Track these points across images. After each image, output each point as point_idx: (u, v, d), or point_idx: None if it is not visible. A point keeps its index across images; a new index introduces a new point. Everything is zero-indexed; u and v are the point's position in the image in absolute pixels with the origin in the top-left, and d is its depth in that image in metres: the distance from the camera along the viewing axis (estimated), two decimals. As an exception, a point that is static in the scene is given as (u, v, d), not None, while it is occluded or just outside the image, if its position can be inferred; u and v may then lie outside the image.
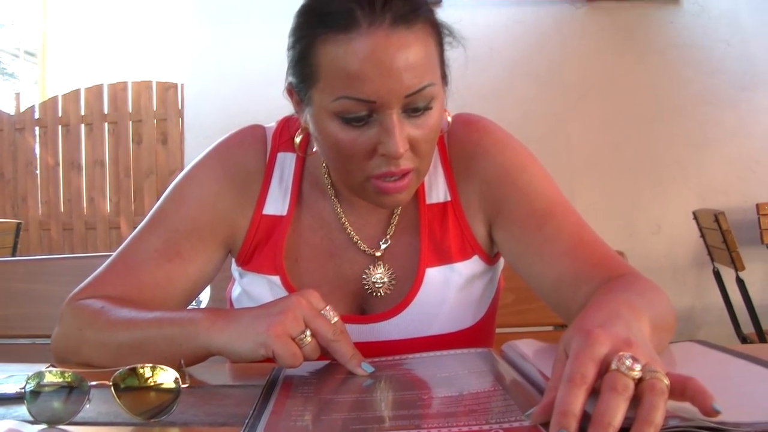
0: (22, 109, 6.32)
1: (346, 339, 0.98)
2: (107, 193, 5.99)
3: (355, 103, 1.02)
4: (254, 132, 1.31)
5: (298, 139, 1.22)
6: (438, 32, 1.09)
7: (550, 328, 1.70)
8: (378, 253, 1.24)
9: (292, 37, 1.09)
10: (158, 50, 7.57)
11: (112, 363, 0.98)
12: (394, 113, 1.03)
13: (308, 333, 0.95)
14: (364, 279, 1.23)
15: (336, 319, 0.98)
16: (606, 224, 4.06)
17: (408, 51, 1.01)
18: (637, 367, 0.65)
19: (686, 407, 0.65)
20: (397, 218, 1.25)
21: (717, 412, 0.63)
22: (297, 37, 1.08)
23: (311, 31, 1.04)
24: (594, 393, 0.65)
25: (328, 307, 0.99)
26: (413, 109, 1.05)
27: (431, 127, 1.08)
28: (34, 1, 8.08)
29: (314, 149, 1.21)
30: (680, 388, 0.65)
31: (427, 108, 1.06)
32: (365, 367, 0.96)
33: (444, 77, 1.13)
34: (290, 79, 1.13)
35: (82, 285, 1.21)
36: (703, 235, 3.85)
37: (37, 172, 6.15)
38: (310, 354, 0.95)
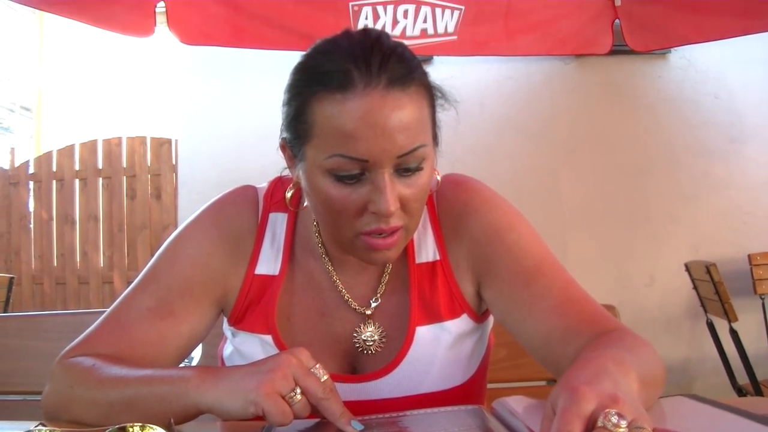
0: (16, 164, 6.34)
1: (336, 397, 0.98)
2: (101, 248, 5.99)
3: (348, 162, 1.04)
4: (246, 192, 1.32)
5: (289, 194, 1.24)
6: (431, 94, 1.12)
7: (543, 382, 1.70)
8: (368, 312, 1.25)
9: (288, 94, 1.11)
10: (153, 106, 7.62)
11: (102, 421, 0.98)
12: (386, 173, 1.05)
13: (298, 391, 0.95)
14: (355, 337, 1.24)
15: (326, 377, 0.98)
16: (599, 277, 4.09)
17: (402, 113, 1.03)
18: (623, 423, 0.65)
19: None
20: (387, 277, 1.27)
21: None
22: (293, 93, 1.10)
23: (307, 89, 1.06)
24: None
25: (318, 366, 0.99)
26: (404, 168, 1.07)
27: (421, 187, 1.10)
28: (30, 57, 8.15)
29: (305, 204, 1.22)
30: None
31: (418, 168, 1.08)
32: (355, 425, 0.96)
33: (435, 137, 1.15)
34: (284, 134, 1.15)
35: (73, 343, 1.21)
36: (695, 287, 3.85)
37: (31, 226, 6.15)
38: (300, 412, 0.95)
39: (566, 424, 0.67)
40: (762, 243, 4.24)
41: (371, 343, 1.23)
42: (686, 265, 3.90)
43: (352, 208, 1.08)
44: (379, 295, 1.26)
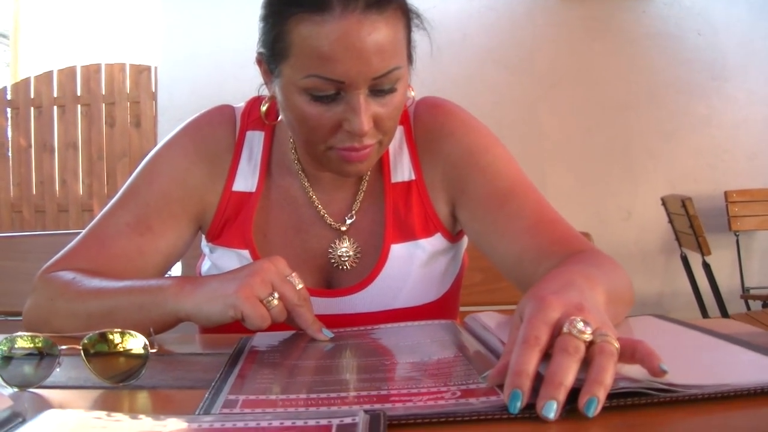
0: (-7, 91, 6.27)
1: (309, 305, 1.01)
2: (80, 176, 5.97)
3: (324, 82, 1.05)
4: (223, 111, 1.33)
5: (264, 108, 1.26)
6: (407, 16, 1.13)
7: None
8: (343, 228, 1.27)
9: (265, 10, 1.12)
10: (132, 33, 7.52)
11: (83, 332, 1.00)
12: (361, 94, 1.07)
13: (276, 296, 0.97)
14: (330, 253, 1.26)
15: (301, 285, 1.01)
16: (577, 210, 4.11)
17: (378, 36, 1.04)
18: (588, 330, 0.68)
19: (636, 370, 0.68)
20: (362, 194, 1.29)
21: (664, 372, 0.65)
22: (270, 11, 1.11)
23: (285, 8, 1.07)
24: (547, 357, 0.68)
25: (294, 274, 1.01)
26: (379, 90, 1.08)
27: (395, 105, 1.12)
28: (6, -18, 7.99)
29: (280, 119, 1.24)
30: (630, 351, 0.68)
31: (392, 89, 1.10)
32: (326, 332, 1.00)
33: (410, 57, 1.16)
34: (261, 49, 1.16)
35: (53, 259, 1.22)
36: (671, 221, 3.90)
37: (9, 154, 6.11)
38: (277, 316, 0.97)
39: (532, 329, 0.69)
40: (739, 181, 4.29)
41: (346, 259, 1.26)
42: (662, 199, 3.94)
43: (326, 125, 1.10)
44: (354, 211, 1.28)
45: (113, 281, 1.10)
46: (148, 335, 0.86)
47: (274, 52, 1.11)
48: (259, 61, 1.18)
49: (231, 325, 1.03)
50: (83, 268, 1.17)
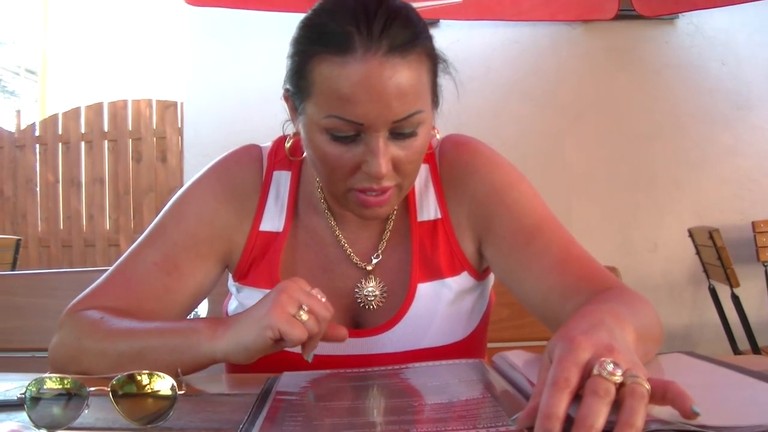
0: (22, 127, 6.35)
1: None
2: (106, 211, 6.02)
3: (344, 123, 1.06)
4: (251, 151, 1.34)
5: (288, 144, 1.28)
6: (433, 60, 1.13)
7: (544, 342, 1.70)
8: (370, 267, 1.27)
9: (292, 48, 1.13)
10: (158, 69, 7.61)
11: (111, 372, 1.00)
12: (381, 136, 1.07)
13: (305, 308, 0.99)
14: (357, 292, 1.26)
15: (324, 298, 1.02)
16: (603, 242, 4.10)
17: (399, 80, 1.04)
18: (619, 372, 0.67)
19: (667, 411, 0.67)
20: (388, 233, 1.28)
21: (696, 414, 0.65)
22: (296, 49, 1.12)
23: (309, 47, 1.08)
24: (577, 398, 0.67)
25: (316, 290, 1.02)
26: (399, 133, 1.09)
27: (415, 150, 1.12)
28: (35, 20, 8.13)
29: (304, 155, 1.24)
30: (661, 392, 0.67)
31: (413, 133, 1.10)
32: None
33: (435, 100, 1.16)
34: (287, 86, 1.17)
35: (80, 296, 1.23)
36: (698, 252, 3.86)
37: (37, 189, 6.17)
38: (312, 328, 0.99)
39: (562, 371, 0.68)
40: (766, 210, 4.24)
41: (372, 299, 1.25)
42: (689, 231, 3.91)
43: (346, 166, 1.10)
44: (380, 251, 1.28)
45: (143, 322, 1.11)
46: (175, 376, 0.86)
47: (298, 90, 1.12)
48: (286, 97, 1.19)
49: (257, 364, 1.03)
50: (110, 307, 1.18)
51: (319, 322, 1.00)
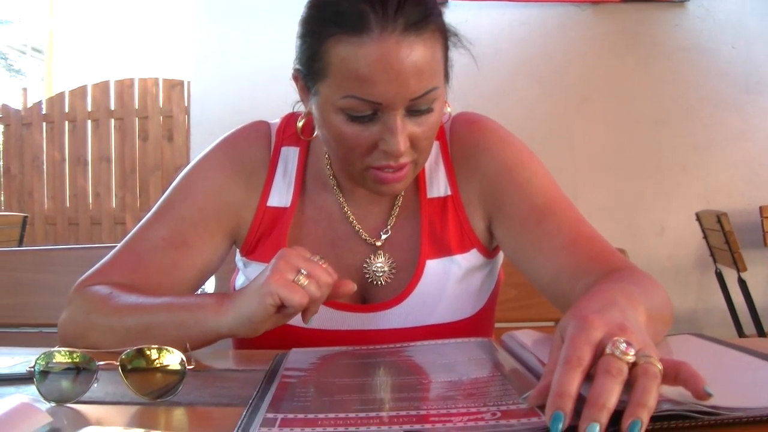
0: (29, 105, 6.35)
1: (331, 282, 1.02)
2: (113, 189, 6.03)
3: (362, 103, 1.06)
4: (259, 127, 1.34)
5: (300, 124, 1.27)
6: (445, 36, 1.13)
7: (552, 323, 1.71)
8: (379, 243, 1.27)
9: (303, 28, 1.12)
10: (165, 47, 7.59)
11: (119, 347, 1.00)
12: (398, 114, 1.07)
13: (304, 272, 0.98)
14: (365, 268, 1.26)
15: (326, 264, 1.02)
16: (610, 225, 4.06)
17: (416, 57, 1.04)
18: (631, 351, 0.67)
19: (679, 391, 0.67)
20: (398, 209, 1.29)
21: (709, 395, 0.64)
22: (307, 30, 1.11)
23: (323, 28, 1.07)
24: (589, 377, 0.67)
25: (317, 256, 1.02)
26: (416, 110, 1.09)
27: (431, 125, 1.12)
28: (41, -2, 8.11)
29: (315, 134, 1.24)
30: (673, 373, 0.67)
31: (429, 109, 1.10)
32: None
33: (447, 76, 1.16)
34: (297, 66, 1.16)
35: (89, 272, 1.23)
36: (705, 237, 3.86)
37: (44, 167, 6.18)
38: (314, 292, 0.98)
39: (575, 349, 0.68)
40: (775, 196, 4.23)
41: (381, 274, 1.26)
42: (697, 215, 3.90)
43: (363, 144, 1.10)
44: (389, 227, 1.28)
45: (150, 297, 1.11)
46: (184, 351, 0.86)
47: (311, 71, 1.11)
48: (296, 77, 1.18)
49: (265, 340, 1.03)
50: (119, 283, 1.18)
51: (320, 286, 0.99)
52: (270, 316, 0.98)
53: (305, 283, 0.97)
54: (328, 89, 1.09)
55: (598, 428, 0.61)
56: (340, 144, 1.12)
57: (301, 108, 1.24)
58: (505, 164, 1.26)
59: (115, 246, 1.28)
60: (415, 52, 1.04)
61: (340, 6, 1.06)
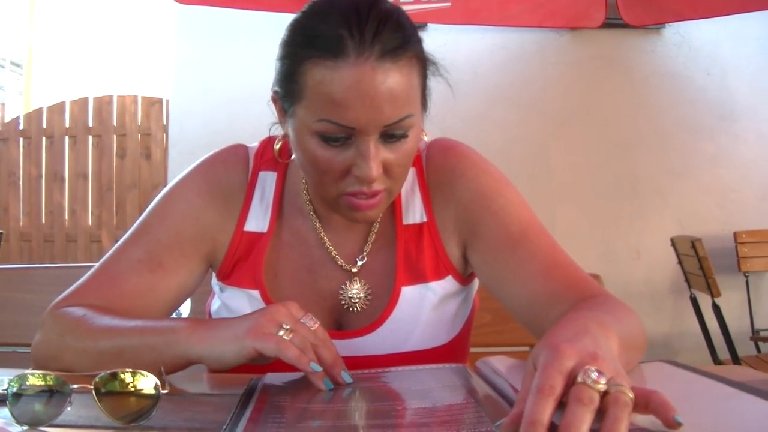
0: (6, 120, 6.31)
1: (328, 345, 1.00)
2: (89, 206, 5.99)
3: (336, 127, 1.06)
4: (237, 151, 1.34)
5: (277, 147, 1.27)
6: (423, 64, 1.13)
7: (527, 348, 1.72)
8: (354, 270, 1.27)
9: (282, 50, 1.13)
10: (144, 65, 7.58)
11: (93, 370, 1.00)
12: (372, 140, 1.07)
13: (287, 327, 0.97)
14: (341, 294, 1.26)
15: (316, 326, 1.01)
16: (585, 249, 4.10)
17: (391, 84, 1.04)
18: (603, 380, 0.67)
19: (651, 420, 0.67)
20: (374, 236, 1.29)
21: (679, 424, 0.65)
22: (286, 52, 1.11)
23: (301, 51, 1.07)
24: (561, 406, 0.67)
25: (309, 315, 1.01)
26: (390, 135, 1.09)
27: (405, 152, 1.12)
28: (20, 13, 8.08)
29: (292, 158, 1.24)
30: (644, 402, 0.68)
31: (404, 136, 1.10)
32: (345, 377, 0.98)
33: (424, 104, 1.16)
34: (276, 88, 1.16)
35: (64, 294, 1.22)
36: (680, 262, 3.88)
37: (20, 183, 6.14)
38: (300, 344, 0.96)
39: (547, 378, 0.68)
40: (748, 221, 4.28)
41: (356, 301, 1.25)
42: (672, 240, 3.93)
43: (336, 169, 1.10)
44: (365, 253, 1.28)
45: (124, 320, 1.10)
46: (159, 375, 0.86)
47: (288, 93, 1.11)
48: (274, 99, 1.18)
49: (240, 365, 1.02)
50: (94, 305, 1.17)
51: (306, 340, 0.97)
52: (243, 363, 0.98)
53: (287, 338, 0.96)
54: (304, 112, 1.09)
55: None
56: (315, 168, 1.12)
57: (278, 130, 1.24)
58: (480, 191, 1.26)
59: (91, 266, 1.27)
60: (391, 78, 1.04)
61: (318, 29, 1.06)
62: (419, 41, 1.12)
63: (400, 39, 1.06)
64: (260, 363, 0.99)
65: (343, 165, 1.09)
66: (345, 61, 1.03)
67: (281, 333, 0.96)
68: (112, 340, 1.08)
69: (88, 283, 1.24)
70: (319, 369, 0.96)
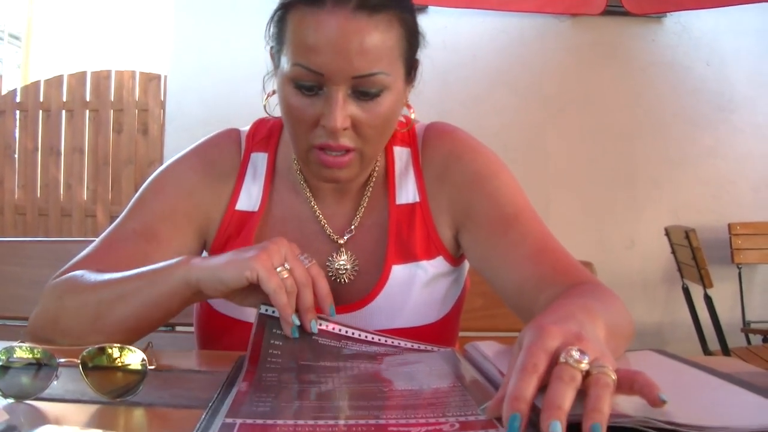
0: (3, 92, 6.28)
1: (318, 284, 1.04)
2: (85, 181, 5.97)
3: (306, 73, 1.09)
4: (230, 134, 1.37)
5: (264, 101, 1.29)
6: (407, 29, 1.15)
7: (517, 333, 1.72)
8: (342, 241, 1.29)
9: (276, 5, 1.17)
10: (143, 40, 7.55)
11: (90, 324, 1.03)
12: (341, 90, 1.10)
13: (287, 267, 1.00)
14: (328, 265, 1.28)
15: (310, 263, 1.04)
16: (580, 237, 4.11)
17: (363, 36, 1.08)
18: (585, 359, 0.68)
19: (635, 405, 0.68)
20: (363, 210, 1.31)
21: (663, 402, 0.65)
22: (279, 3, 1.16)
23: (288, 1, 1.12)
24: (545, 387, 0.67)
25: (305, 255, 1.05)
26: (362, 92, 1.11)
27: (379, 115, 1.13)
28: (20, -15, 8.04)
29: (282, 137, 1.32)
30: (628, 383, 0.68)
31: (377, 95, 1.12)
32: (313, 326, 1.02)
33: (409, 74, 1.19)
34: (272, 43, 1.20)
35: (62, 268, 1.23)
36: (674, 251, 3.89)
37: (16, 156, 6.12)
38: (289, 286, 0.99)
39: (531, 356, 0.69)
40: (743, 213, 4.28)
41: (343, 272, 1.28)
42: (666, 230, 3.94)
43: (307, 119, 1.13)
44: (353, 226, 1.30)
45: (125, 272, 1.12)
46: (146, 349, 0.86)
47: (276, 41, 1.16)
48: (272, 54, 1.22)
49: (230, 341, 1.03)
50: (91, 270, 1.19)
51: (296, 284, 1.00)
52: (240, 289, 1.00)
53: (284, 276, 0.99)
54: (284, 59, 1.13)
55: (559, 425, 0.61)
56: (289, 117, 1.15)
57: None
58: (475, 173, 1.28)
59: (85, 240, 1.29)
60: (364, 31, 1.08)
61: None
62: (408, 9, 1.15)
63: None
64: (240, 302, 1.04)
65: (313, 115, 1.12)
66: (322, 8, 1.07)
67: (280, 269, 0.99)
68: (111, 288, 1.10)
69: (86, 255, 1.25)
70: (297, 335, 1.01)
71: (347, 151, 1.14)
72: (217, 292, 1.02)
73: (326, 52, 1.07)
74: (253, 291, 1.01)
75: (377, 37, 1.09)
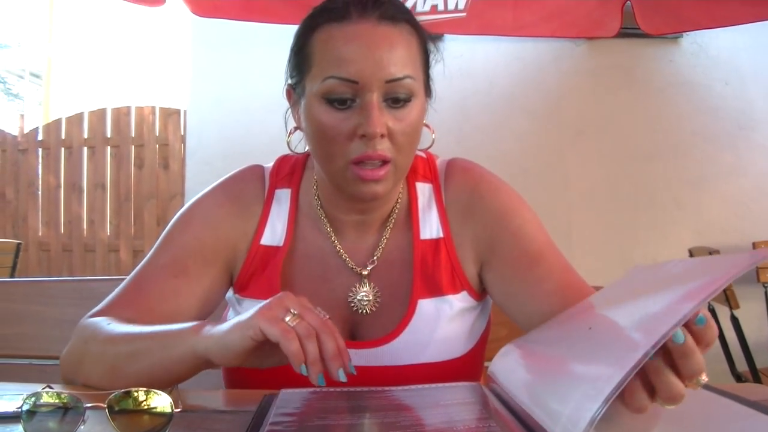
0: (26, 131, 6.36)
1: (335, 336, 0.96)
2: (107, 216, 6.02)
3: (340, 83, 1.12)
4: (254, 170, 1.39)
5: (288, 138, 1.30)
6: (422, 40, 1.21)
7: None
8: (365, 272, 1.29)
9: (294, 37, 1.21)
10: (162, 76, 7.62)
11: (108, 376, 1.03)
12: (375, 96, 1.13)
13: (294, 312, 0.95)
14: (350, 297, 1.28)
15: (325, 316, 0.98)
16: (603, 259, 4.09)
17: (392, 41, 1.14)
18: None
19: None
20: (385, 241, 1.31)
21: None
22: (298, 33, 1.21)
23: (310, 22, 1.18)
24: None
25: (318, 308, 0.99)
26: (394, 99, 1.14)
27: (409, 123, 1.16)
28: (40, 24, 8.16)
29: (304, 176, 1.34)
30: None
31: (407, 100, 1.15)
32: (341, 374, 0.94)
33: (427, 87, 1.24)
34: (288, 80, 1.23)
35: (95, 309, 1.25)
36: (698, 273, 3.84)
37: (39, 193, 6.18)
38: (303, 332, 0.93)
39: None
40: (767, 231, 4.24)
41: (366, 303, 1.28)
42: (690, 251, 3.91)
43: (342, 133, 1.14)
44: (375, 257, 1.30)
45: (143, 326, 1.11)
46: (171, 391, 0.86)
47: (298, 69, 1.20)
48: (288, 92, 1.25)
49: (257, 379, 1.02)
50: (122, 313, 1.20)
51: (309, 328, 0.94)
52: (249, 350, 0.95)
53: (293, 324, 0.94)
54: (312, 80, 1.16)
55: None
56: (323, 137, 1.16)
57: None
58: (498, 211, 1.30)
59: (109, 278, 1.31)
60: (391, 37, 1.14)
61: (325, 5, 1.17)
62: (418, 25, 1.21)
63: (398, 10, 1.18)
64: (259, 365, 0.99)
65: (349, 128, 1.14)
66: (348, 21, 1.13)
67: (288, 318, 0.94)
68: (128, 344, 1.09)
69: (117, 296, 1.27)
70: (323, 383, 0.93)
71: (384, 162, 1.15)
72: (225, 359, 0.97)
73: (358, 59, 1.11)
74: (269, 352, 0.96)
75: (403, 43, 1.15)
